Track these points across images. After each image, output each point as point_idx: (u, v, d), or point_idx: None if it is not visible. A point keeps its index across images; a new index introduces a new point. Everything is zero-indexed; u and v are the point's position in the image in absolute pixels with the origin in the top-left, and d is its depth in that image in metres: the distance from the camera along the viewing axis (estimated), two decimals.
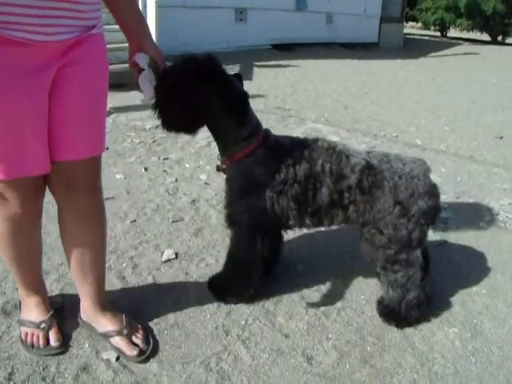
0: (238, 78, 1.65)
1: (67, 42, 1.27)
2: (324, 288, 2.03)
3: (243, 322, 1.79)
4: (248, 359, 1.63)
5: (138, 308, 1.83)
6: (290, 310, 1.87)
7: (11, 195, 1.37)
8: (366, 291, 2.00)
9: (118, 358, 1.60)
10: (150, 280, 2.01)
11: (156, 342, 1.67)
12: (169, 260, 2.12)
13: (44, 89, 1.27)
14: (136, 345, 1.61)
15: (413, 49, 9.92)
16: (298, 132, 3.91)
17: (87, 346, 1.65)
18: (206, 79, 1.49)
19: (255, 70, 6.50)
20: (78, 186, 1.48)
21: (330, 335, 1.76)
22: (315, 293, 1.99)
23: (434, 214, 1.69)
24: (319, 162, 1.65)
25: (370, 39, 10.61)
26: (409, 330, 1.80)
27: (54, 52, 1.26)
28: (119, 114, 4.22)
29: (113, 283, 1.97)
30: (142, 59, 1.47)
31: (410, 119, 4.50)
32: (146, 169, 3.13)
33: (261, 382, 1.55)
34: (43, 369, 1.56)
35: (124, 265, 2.10)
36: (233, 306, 1.87)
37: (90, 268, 1.62)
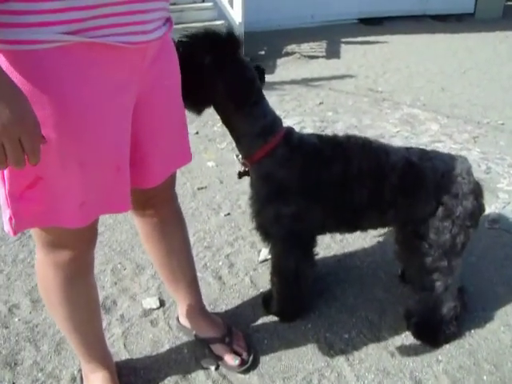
0: (259, 70, 1.47)
1: (159, 41, 1.06)
2: None
3: (346, 336, 1.69)
4: (352, 378, 1.54)
5: (236, 312, 1.79)
6: (395, 324, 1.74)
7: (68, 240, 1.14)
8: (477, 308, 1.82)
9: (217, 368, 1.56)
10: (247, 281, 1.95)
11: (256, 352, 1.62)
12: (266, 260, 2.05)
13: (130, 109, 1.07)
14: (238, 354, 1.56)
15: None
16: (393, 118, 3.67)
17: (186, 351, 1.62)
18: (216, 53, 1.32)
19: (342, 46, 6.22)
20: (156, 201, 1.40)
21: (439, 357, 1.62)
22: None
23: (479, 215, 1.54)
24: (355, 162, 1.48)
25: (464, 9, 9.82)
26: None
27: (140, 57, 1.03)
28: None
29: (209, 283, 1.94)
30: None
31: None
32: (237, 156, 3.05)
33: None
34: (143, 372, 1.55)
35: (220, 263, 2.06)
36: (335, 316, 1.77)
37: (181, 273, 1.57)
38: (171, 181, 1.42)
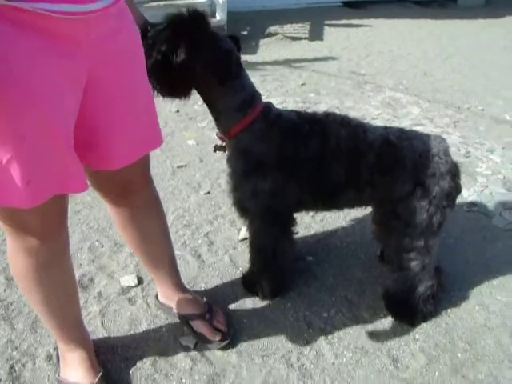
0: (234, 39, 1.44)
1: (106, 11, 0.97)
2: None
3: (325, 314, 1.70)
4: (331, 356, 1.55)
5: (216, 291, 1.78)
6: (374, 304, 1.76)
7: (34, 224, 1.07)
8: (454, 287, 1.84)
9: (195, 346, 1.55)
10: (226, 260, 1.94)
11: (236, 330, 1.61)
12: (246, 238, 2.03)
13: (76, 84, 0.97)
14: (218, 330, 1.56)
15: (497, 6, 9.07)
16: (375, 100, 3.66)
17: (164, 330, 1.61)
18: (185, 36, 1.29)
19: (326, 29, 6.15)
20: (133, 187, 1.35)
21: (416, 336, 1.64)
22: None
23: (455, 195, 1.55)
24: (333, 138, 1.48)
25: None
26: (504, 338, 1.64)
27: (82, 27, 0.93)
28: None
29: (188, 261, 1.92)
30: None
31: (497, 90, 4.12)
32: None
33: (344, 383, 1.46)
34: (121, 349, 1.53)
35: (199, 241, 2.04)
36: (314, 295, 1.78)
37: (159, 257, 1.55)
38: (144, 165, 1.36)
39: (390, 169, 1.50)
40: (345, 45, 5.45)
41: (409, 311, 1.68)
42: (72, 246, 1.97)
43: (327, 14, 6.93)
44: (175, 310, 1.62)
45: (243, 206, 1.58)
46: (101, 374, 1.40)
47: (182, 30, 1.30)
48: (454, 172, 1.53)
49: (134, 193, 1.36)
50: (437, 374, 1.51)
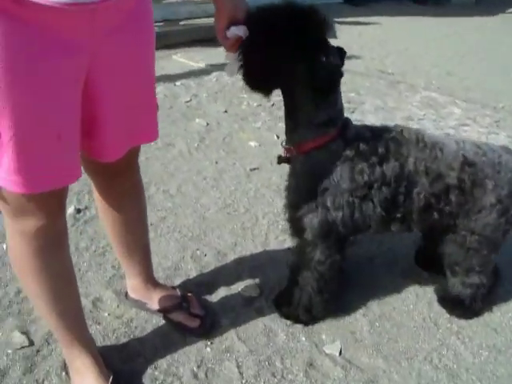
0: (340, 52, 1.32)
1: (113, 5, 0.96)
2: None
3: (447, 314, 1.74)
4: (468, 356, 1.58)
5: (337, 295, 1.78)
6: (491, 304, 1.79)
7: (31, 208, 1.07)
8: None
9: (340, 353, 1.56)
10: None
11: (215, 313, 1.65)
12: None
13: (75, 73, 0.97)
14: (196, 315, 1.59)
15: (488, 3, 9.30)
16: (415, 101, 3.72)
17: (304, 339, 1.61)
18: (300, 34, 1.20)
19: (336, 26, 6.20)
20: (119, 173, 1.34)
21: None
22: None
23: None
24: (411, 160, 1.40)
25: None
26: None
27: (87, 18, 0.92)
28: (221, 72, 4.06)
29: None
30: (244, 34, 1.22)
31: None
32: (278, 136, 3.02)
33: (492, 382, 1.50)
34: (269, 364, 1.51)
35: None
36: (431, 296, 1.81)
37: (134, 245, 1.55)
38: (133, 155, 1.36)
39: (471, 190, 1.45)
40: (360, 43, 5.52)
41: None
42: (172, 255, 1.96)
43: (332, 11, 6.96)
44: (150, 306, 1.63)
45: (301, 226, 1.48)
46: (111, 379, 1.35)
47: (303, 24, 1.21)
48: None
49: (119, 178, 1.37)
50: None
